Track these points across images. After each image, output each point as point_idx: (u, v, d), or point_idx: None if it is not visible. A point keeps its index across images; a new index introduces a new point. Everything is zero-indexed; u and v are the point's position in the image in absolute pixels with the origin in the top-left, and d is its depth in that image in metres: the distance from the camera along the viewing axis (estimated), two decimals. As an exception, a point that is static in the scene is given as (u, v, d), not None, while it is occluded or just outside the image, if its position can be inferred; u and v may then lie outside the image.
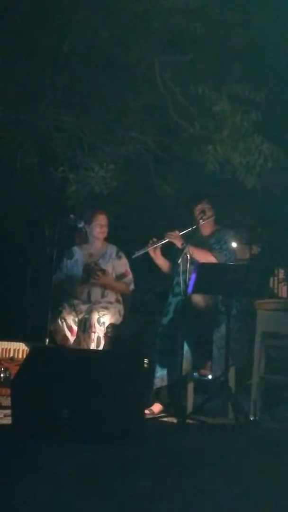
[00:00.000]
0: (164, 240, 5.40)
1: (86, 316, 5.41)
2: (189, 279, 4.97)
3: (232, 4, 5.66)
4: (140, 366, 4.73)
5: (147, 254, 5.49)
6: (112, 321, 5.51)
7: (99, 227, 5.72)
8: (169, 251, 5.58)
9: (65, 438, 3.89)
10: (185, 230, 5.34)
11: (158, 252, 5.50)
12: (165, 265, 5.59)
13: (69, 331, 5.41)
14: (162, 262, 5.57)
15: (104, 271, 5.59)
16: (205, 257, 5.27)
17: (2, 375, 5.36)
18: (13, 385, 4.36)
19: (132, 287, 5.77)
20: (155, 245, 5.42)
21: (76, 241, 5.86)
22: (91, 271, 5.60)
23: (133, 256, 5.50)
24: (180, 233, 5.34)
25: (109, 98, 6.12)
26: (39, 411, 4.04)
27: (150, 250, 5.44)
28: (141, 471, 3.46)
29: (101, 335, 5.36)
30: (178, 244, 5.32)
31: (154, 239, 5.43)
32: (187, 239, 5.26)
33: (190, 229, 5.32)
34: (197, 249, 5.24)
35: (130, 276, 5.75)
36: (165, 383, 5.18)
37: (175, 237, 5.34)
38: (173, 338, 5.15)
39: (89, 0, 5.58)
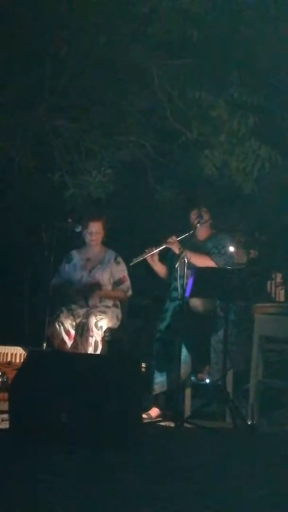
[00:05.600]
0: (162, 246, 5.40)
1: (84, 320, 5.41)
2: (187, 283, 4.97)
3: (229, 9, 5.67)
4: (138, 370, 4.73)
5: (144, 260, 5.49)
6: (110, 325, 5.51)
7: (89, 234, 5.72)
8: (166, 257, 5.58)
9: (63, 442, 3.89)
10: (182, 236, 5.34)
11: (156, 258, 5.51)
12: (163, 271, 5.60)
13: (67, 335, 5.41)
14: (159, 268, 5.58)
15: (99, 286, 5.59)
16: (205, 262, 5.27)
17: (0, 379, 5.36)
18: (11, 390, 4.36)
19: (129, 293, 5.76)
20: (153, 252, 5.43)
21: (76, 245, 5.87)
22: (88, 288, 5.60)
23: (131, 264, 5.52)
24: (178, 239, 5.34)
25: (107, 103, 6.13)
26: (37, 415, 4.04)
27: (147, 257, 5.44)
28: (139, 475, 3.46)
29: (99, 339, 5.36)
30: (176, 250, 5.32)
31: (152, 247, 5.44)
32: (184, 244, 5.27)
33: (187, 234, 5.32)
34: (195, 255, 5.24)
35: (127, 282, 5.75)
36: (164, 388, 5.18)
37: (173, 243, 5.34)
38: (171, 343, 5.15)
39: (87, 4, 5.59)
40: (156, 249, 5.43)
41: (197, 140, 6.00)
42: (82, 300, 5.62)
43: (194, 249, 5.31)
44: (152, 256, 5.46)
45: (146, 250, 5.43)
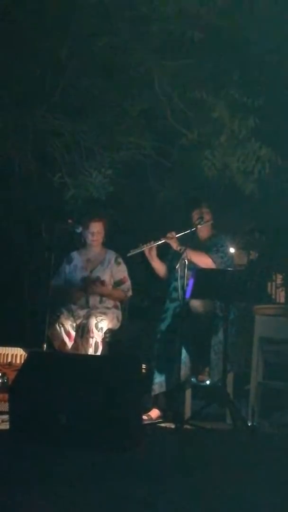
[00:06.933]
0: (160, 241, 5.39)
1: (84, 321, 5.41)
2: (187, 284, 4.97)
3: (230, 10, 5.67)
4: (138, 371, 4.72)
5: (144, 257, 5.48)
6: (110, 326, 5.51)
7: (91, 235, 5.72)
8: (166, 255, 5.58)
9: (63, 444, 3.89)
10: (182, 233, 5.33)
11: (154, 253, 5.48)
12: (161, 268, 5.58)
13: (67, 336, 5.41)
14: (157, 265, 5.56)
15: (102, 281, 5.59)
16: (201, 258, 5.27)
17: (0, 380, 5.36)
18: (11, 391, 4.36)
19: (129, 293, 5.76)
20: (151, 245, 5.41)
21: (76, 245, 5.88)
22: (89, 282, 5.59)
23: (128, 255, 5.48)
24: (177, 235, 5.34)
25: (107, 103, 6.14)
26: (37, 416, 4.03)
27: (145, 250, 5.43)
28: (139, 476, 3.45)
29: (99, 340, 5.35)
30: (174, 245, 5.32)
31: (151, 241, 5.43)
32: (183, 242, 5.26)
33: (187, 231, 5.31)
34: (193, 251, 5.24)
35: (128, 283, 5.74)
36: (163, 389, 5.17)
37: (171, 239, 5.33)
38: (171, 343, 5.14)
39: (87, 5, 5.59)
40: (154, 243, 5.41)
41: (198, 141, 6.00)
42: (82, 301, 5.62)
43: (194, 247, 5.30)
44: (150, 250, 5.45)
45: (145, 245, 5.41)
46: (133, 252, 5.43)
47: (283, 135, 6.20)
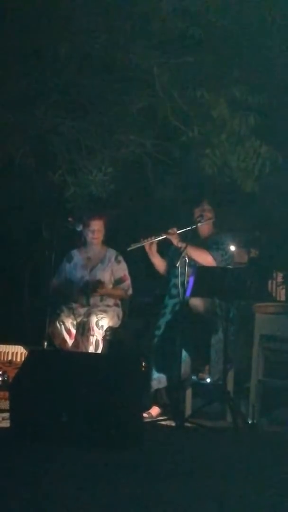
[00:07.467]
0: (161, 236, 5.39)
1: (85, 319, 5.41)
2: (187, 282, 4.97)
3: (230, 8, 5.67)
4: (138, 369, 4.73)
5: (145, 253, 5.48)
6: (111, 324, 5.52)
7: (91, 232, 5.73)
8: (166, 252, 5.58)
9: (64, 442, 3.89)
10: (183, 229, 5.34)
11: (154, 248, 5.49)
12: (161, 264, 5.59)
13: (68, 334, 5.41)
14: (157, 261, 5.57)
15: (101, 283, 5.59)
16: (202, 255, 5.28)
17: (0, 378, 5.36)
18: (12, 389, 4.36)
19: (130, 292, 5.76)
20: (152, 240, 5.42)
21: (77, 244, 5.88)
22: (90, 287, 5.59)
23: (129, 249, 5.48)
24: (178, 232, 5.34)
25: (108, 101, 6.12)
26: (38, 414, 4.04)
27: (146, 245, 5.43)
28: (139, 474, 3.46)
29: (100, 338, 5.36)
30: (175, 241, 5.32)
31: (152, 236, 5.43)
32: (185, 239, 5.26)
33: (189, 228, 5.32)
34: (194, 248, 5.24)
35: (128, 281, 5.74)
36: (162, 385, 5.17)
37: (173, 235, 5.33)
38: (170, 339, 5.14)
39: (87, 3, 5.58)
40: (155, 238, 5.42)
41: (198, 139, 5.99)
42: (83, 299, 5.62)
43: (195, 245, 5.31)
44: (150, 246, 5.45)
45: (146, 240, 5.42)
46: (133, 246, 5.44)
47: (283, 133, 6.20)
